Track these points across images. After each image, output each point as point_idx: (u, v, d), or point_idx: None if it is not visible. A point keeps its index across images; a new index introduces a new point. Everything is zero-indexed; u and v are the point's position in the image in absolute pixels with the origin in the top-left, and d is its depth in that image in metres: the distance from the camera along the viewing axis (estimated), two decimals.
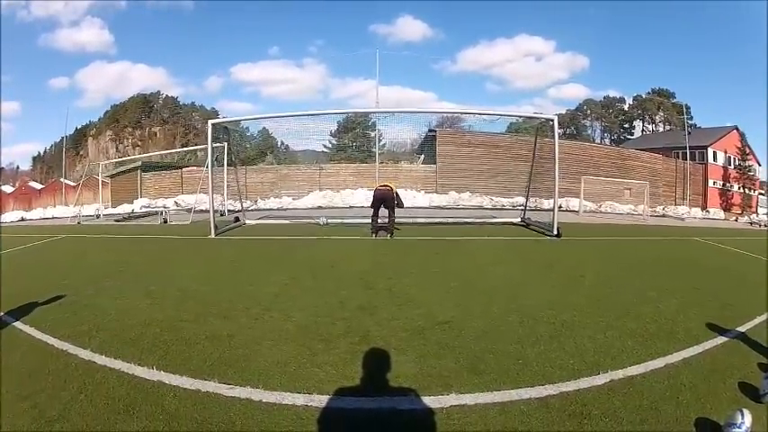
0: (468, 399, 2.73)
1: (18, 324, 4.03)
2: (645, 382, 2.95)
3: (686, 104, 45.06)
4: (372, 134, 35.25)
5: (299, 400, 2.71)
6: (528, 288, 5.53)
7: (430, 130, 27.35)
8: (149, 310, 4.46)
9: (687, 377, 3.02)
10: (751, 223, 21.57)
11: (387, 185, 10.08)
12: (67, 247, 9.41)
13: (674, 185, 29.58)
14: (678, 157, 31.42)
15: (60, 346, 3.50)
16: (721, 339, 3.77)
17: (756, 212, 28.28)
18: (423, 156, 29.88)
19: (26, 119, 73.92)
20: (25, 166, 63.05)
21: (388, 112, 15.07)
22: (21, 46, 70.80)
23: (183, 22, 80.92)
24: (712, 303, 4.90)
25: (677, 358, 3.34)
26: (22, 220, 18.82)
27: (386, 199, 9.91)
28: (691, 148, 32.04)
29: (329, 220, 12.76)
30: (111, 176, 26.60)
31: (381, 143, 29.33)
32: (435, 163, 26.10)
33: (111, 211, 20.82)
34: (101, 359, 3.24)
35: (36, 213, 20.72)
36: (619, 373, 3.07)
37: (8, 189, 26.74)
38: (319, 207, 20.68)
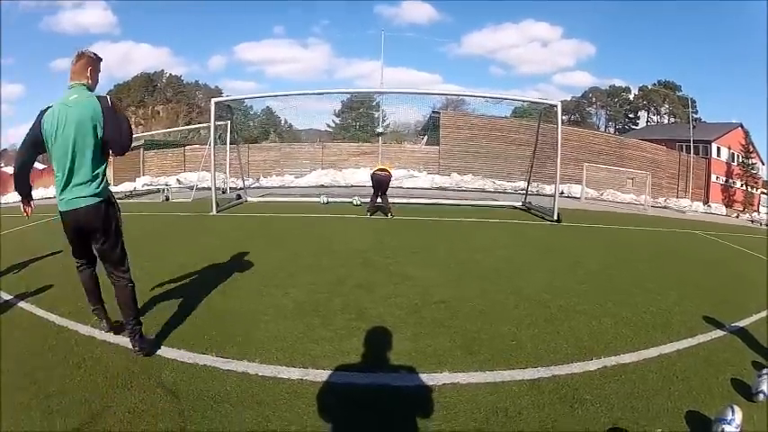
0: (461, 377, 2.76)
1: (18, 302, 4.01)
2: (637, 371, 2.97)
3: (692, 98, 44.38)
4: (376, 114, 34.90)
5: (295, 374, 2.75)
6: (526, 271, 5.56)
7: (434, 112, 27.12)
8: (149, 285, 4.45)
9: (680, 369, 3.03)
10: (752, 221, 21.60)
11: (384, 170, 10.06)
12: None
13: (677, 178, 29.32)
14: (682, 150, 31.07)
15: (60, 322, 3.50)
16: (717, 334, 3.76)
17: (758, 211, 28.13)
18: (426, 137, 29.71)
19: (29, 101, 72.46)
20: None
21: (392, 93, 14.92)
22: (23, 30, 68.94)
23: (187, 1, 79.20)
24: (710, 297, 4.90)
25: (671, 349, 3.35)
26: None
27: (383, 183, 9.96)
28: (695, 141, 31.57)
29: (330, 200, 12.78)
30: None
31: (385, 123, 29.09)
32: (438, 144, 25.97)
33: (113, 188, 20.46)
34: (100, 335, 3.24)
35: (38, 193, 20.49)
36: (612, 360, 3.09)
37: (10, 170, 26.50)
38: (321, 186, 20.58)
